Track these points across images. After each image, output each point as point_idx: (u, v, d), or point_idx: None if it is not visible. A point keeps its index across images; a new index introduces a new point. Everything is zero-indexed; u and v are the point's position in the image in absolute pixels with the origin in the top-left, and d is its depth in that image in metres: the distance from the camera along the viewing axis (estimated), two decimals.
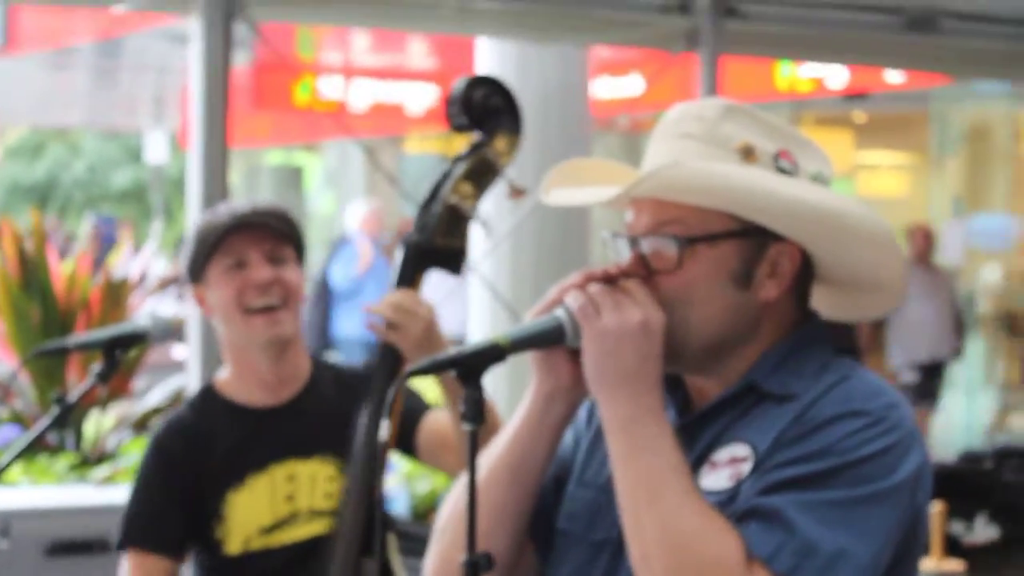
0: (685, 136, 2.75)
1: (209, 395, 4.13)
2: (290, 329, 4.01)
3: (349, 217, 17.77)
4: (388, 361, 3.59)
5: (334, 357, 15.70)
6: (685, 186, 2.67)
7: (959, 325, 15.62)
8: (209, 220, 4.07)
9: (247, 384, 4.06)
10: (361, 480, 3.61)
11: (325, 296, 16.99)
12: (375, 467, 3.59)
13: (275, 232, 3.99)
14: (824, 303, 2.85)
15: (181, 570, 4.01)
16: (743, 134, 2.74)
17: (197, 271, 4.00)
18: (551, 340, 2.67)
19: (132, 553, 3.97)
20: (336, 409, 3.96)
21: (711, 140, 2.73)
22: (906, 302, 14.27)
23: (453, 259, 3.66)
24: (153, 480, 4.04)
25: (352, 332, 16.17)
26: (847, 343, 13.86)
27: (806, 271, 2.77)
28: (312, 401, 4.04)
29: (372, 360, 3.72)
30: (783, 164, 2.73)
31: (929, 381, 14.70)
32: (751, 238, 2.70)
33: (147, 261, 10.95)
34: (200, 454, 4.00)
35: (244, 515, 3.96)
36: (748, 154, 2.71)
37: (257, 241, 3.95)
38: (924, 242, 15.15)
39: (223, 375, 4.14)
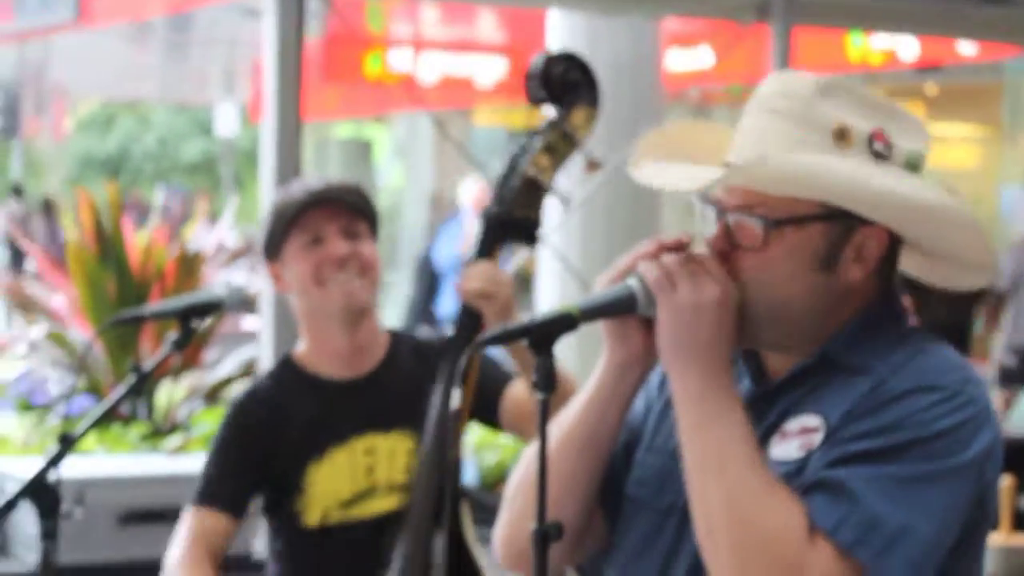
0: (778, 114, 2.73)
1: (288, 367, 4.15)
2: (365, 298, 4.02)
3: (461, 193, 17.35)
4: (467, 330, 3.60)
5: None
6: (774, 180, 2.66)
7: None
8: (284, 198, 4.09)
9: (325, 357, 4.06)
10: (434, 450, 3.62)
11: (429, 274, 16.54)
12: (447, 436, 3.60)
13: (350, 207, 4.01)
14: (914, 267, 2.85)
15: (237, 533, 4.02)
16: (838, 114, 2.71)
17: (274, 248, 4.01)
18: (623, 309, 2.67)
19: (194, 508, 3.99)
20: (415, 382, 3.96)
21: (805, 121, 2.70)
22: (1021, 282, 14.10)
23: (529, 231, 3.66)
24: (229, 445, 4.06)
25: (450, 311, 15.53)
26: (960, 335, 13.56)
27: (892, 251, 2.75)
28: (391, 374, 4.04)
29: (452, 331, 3.72)
30: (877, 147, 2.70)
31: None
32: (838, 221, 2.68)
33: (222, 233, 10.93)
34: (279, 425, 4.02)
35: (324, 488, 3.97)
36: (842, 137, 2.69)
37: (333, 217, 3.97)
38: None
39: (301, 348, 4.15)
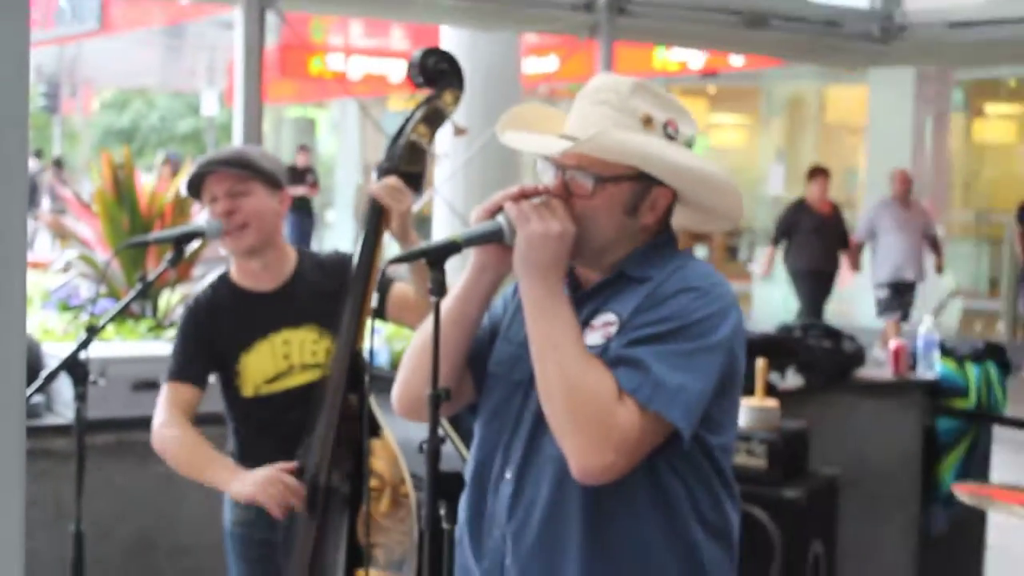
0: (603, 104, 2.74)
1: (224, 281, 4.05)
2: (247, 244, 3.92)
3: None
4: (374, 223, 3.60)
5: None
6: (605, 149, 2.68)
7: (932, 251, 14.45)
8: (194, 168, 4.08)
9: (245, 276, 4.04)
10: (348, 336, 3.62)
11: None
12: (360, 325, 3.62)
13: (232, 173, 3.92)
14: (684, 218, 2.84)
15: (201, 401, 4.00)
16: (644, 106, 2.73)
17: (197, 196, 3.99)
18: (493, 238, 2.67)
19: (169, 383, 3.92)
20: (318, 288, 3.94)
21: (622, 109, 2.71)
22: (883, 232, 13.77)
23: (414, 180, 3.68)
24: (186, 337, 4.00)
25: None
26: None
27: (672, 204, 2.76)
28: (298, 285, 3.96)
29: (362, 225, 3.70)
30: (670, 131, 2.73)
31: (897, 297, 14.01)
32: (641, 182, 2.70)
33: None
34: (217, 325, 3.95)
35: (253, 370, 3.92)
36: (647, 123, 2.71)
37: (219, 181, 3.89)
38: (903, 184, 14.16)
39: (231, 267, 4.13)
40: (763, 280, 14.47)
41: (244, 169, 4.03)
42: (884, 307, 14.01)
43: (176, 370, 4.01)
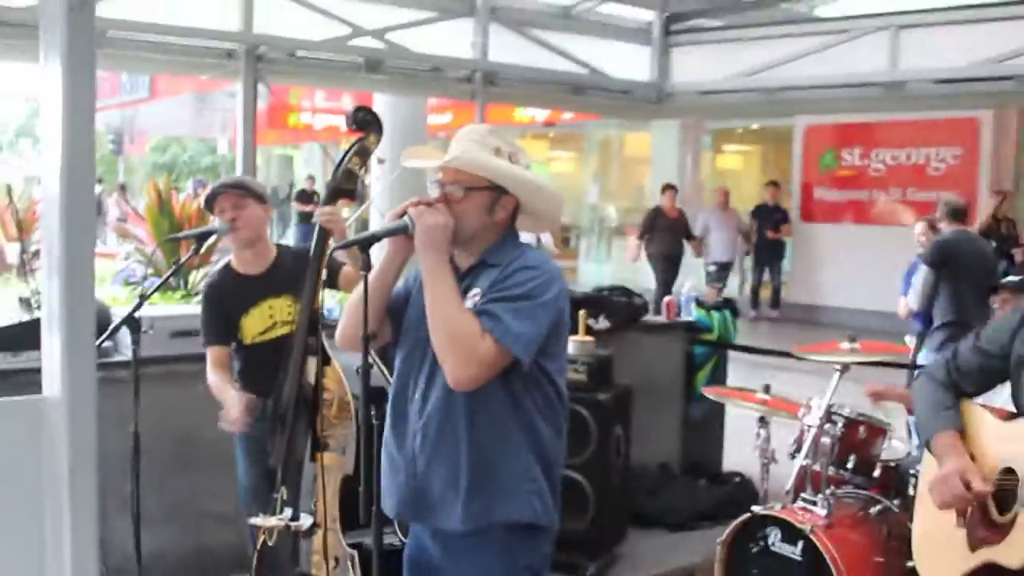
0: (469, 140, 2.74)
1: (227, 268, 4.04)
2: (247, 235, 3.95)
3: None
4: (321, 240, 3.57)
5: None
6: (469, 165, 2.68)
7: (743, 241, 14.86)
8: (209, 190, 4.08)
9: (242, 264, 4.03)
10: (310, 301, 3.60)
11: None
12: (315, 296, 3.60)
13: (236, 191, 3.93)
14: (525, 224, 2.83)
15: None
16: (496, 142, 2.74)
17: (209, 212, 3.98)
18: (401, 231, 2.66)
19: (208, 348, 3.97)
20: (291, 270, 3.91)
21: (481, 143, 2.72)
22: (710, 229, 14.09)
23: (351, 194, 3.65)
24: (208, 310, 4.01)
25: None
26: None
27: (517, 208, 2.75)
28: (278, 268, 3.96)
29: (316, 239, 3.68)
30: (513, 159, 2.74)
31: (720, 272, 14.12)
32: (495, 191, 2.70)
33: None
34: (225, 298, 3.95)
35: (250, 326, 3.92)
36: (498, 152, 2.72)
37: (226, 198, 3.89)
38: (724, 196, 14.68)
39: (232, 257, 4.12)
40: (633, 263, 14.35)
41: (242, 189, 4.03)
42: (712, 279, 13.96)
43: (207, 335, 4.03)
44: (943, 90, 6.49)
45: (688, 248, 13.91)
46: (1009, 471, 2.43)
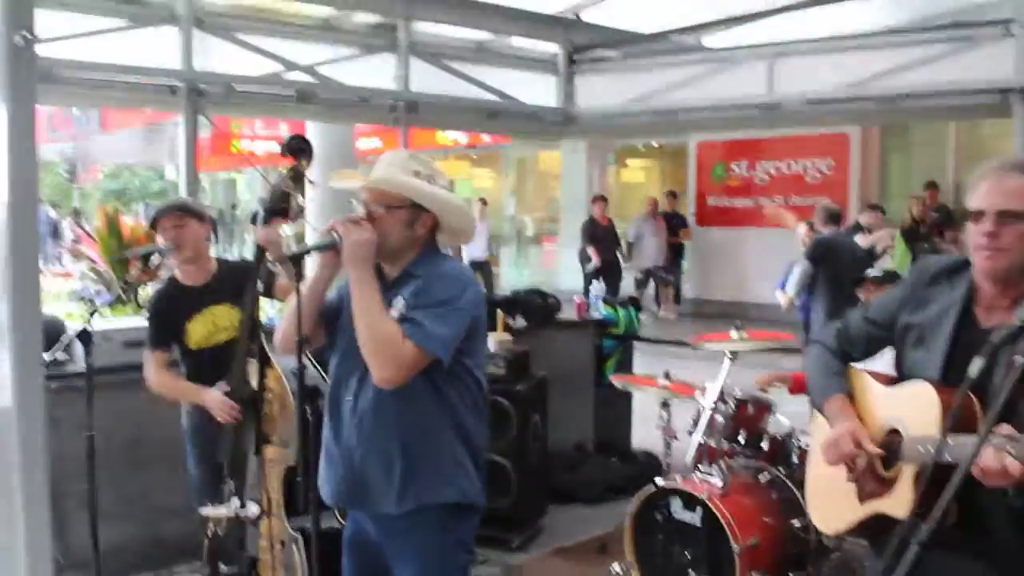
0: (390, 164, 2.73)
1: (172, 281, 4.00)
2: (188, 253, 3.91)
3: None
4: (259, 257, 3.53)
5: None
6: (390, 185, 2.68)
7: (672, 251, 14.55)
8: (153, 212, 4.04)
9: (186, 276, 3.98)
10: (250, 310, 3.56)
11: None
12: (255, 304, 3.56)
13: (176, 212, 3.90)
14: (442, 237, 2.80)
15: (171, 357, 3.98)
16: (415, 166, 2.72)
17: (153, 232, 3.93)
18: (331, 246, 2.64)
19: (151, 351, 3.93)
20: (231, 281, 3.89)
21: (401, 166, 2.71)
22: (643, 236, 13.87)
23: (286, 213, 3.61)
24: (154, 318, 3.96)
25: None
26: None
27: (436, 225, 2.74)
28: (219, 279, 3.93)
29: (253, 257, 3.63)
30: (430, 180, 2.73)
31: (648, 277, 14.21)
32: (414, 209, 2.69)
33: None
34: (171, 307, 3.90)
35: (194, 331, 3.89)
36: (417, 174, 2.71)
37: (168, 219, 3.86)
38: (654, 206, 14.53)
39: (177, 271, 4.07)
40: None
41: (181, 210, 3.99)
42: (639, 284, 14.06)
43: (153, 342, 3.97)
44: (813, 110, 6.63)
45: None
46: (894, 431, 2.45)
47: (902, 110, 6.31)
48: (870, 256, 7.62)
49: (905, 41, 6.18)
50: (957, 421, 2.16)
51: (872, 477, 2.48)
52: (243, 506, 3.33)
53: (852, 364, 2.71)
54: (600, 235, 13.53)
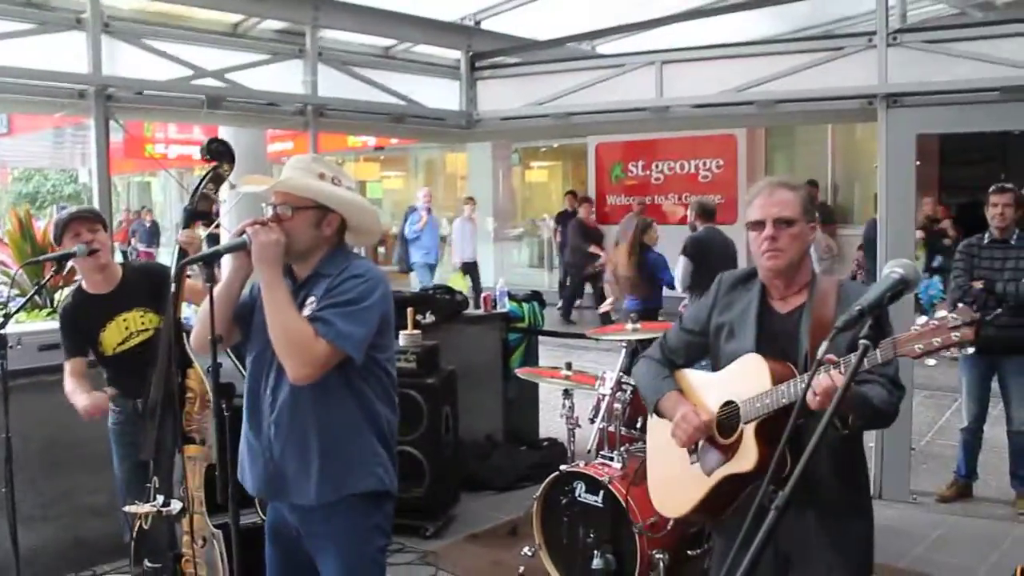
0: (296, 167, 2.75)
1: (80, 291, 3.93)
2: (104, 258, 3.84)
3: (416, 196, 14.26)
4: (181, 257, 3.48)
5: (413, 275, 13.57)
6: (295, 188, 2.69)
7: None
8: (61, 216, 3.93)
9: (92, 286, 3.90)
10: (171, 312, 3.52)
11: (404, 240, 13.59)
12: (175, 306, 3.52)
13: (88, 218, 3.82)
14: (350, 237, 2.84)
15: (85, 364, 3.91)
16: (320, 168, 2.74)
17: (60, 238, 3.82)
18: (241, 248, 2.65)
19: (67, 361, 3.87)
20: (138, 284, 3.86)
21: (306, 169, 2.73)
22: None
23: (206, 215, 3.59)
24: (66, 329, 3.89)
25: (417, 260, 13.34)
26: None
27: (343, 225, 2.76)
28: (125, 285, 3.86)
29: (176, 259, 3.58)
30: (335, 181, 2.75)
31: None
32: (321, 209, 2.71)
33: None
34: (81, 317, 3.85)
35: (108, 339, 3.82)
36: (322, 176, 2.73)
37: (82, 223, 3.77)
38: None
39: (83, 281, 4.00)
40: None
41: (94, 216, 3.92)
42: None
43: (67, 352, 3.91)
44: (699, 113, 6.79)
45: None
46: (728, 403, 2.67)
47: (780, 114, 6.50)
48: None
49: (782, 50, 6.37)
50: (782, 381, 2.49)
51: (715, 449, 2.69)
52: (167, 503, 3.31)
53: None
54: (595, 237, 13.62)
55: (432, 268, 13.50)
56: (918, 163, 5.83)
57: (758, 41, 6.95)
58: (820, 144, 13.99)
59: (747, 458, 2.58)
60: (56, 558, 4.65)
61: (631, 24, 7.51)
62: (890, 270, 2.08)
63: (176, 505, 3.29)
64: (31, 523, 4.03)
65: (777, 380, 2.51)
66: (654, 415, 2.94)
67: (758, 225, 2.67)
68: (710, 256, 6.88)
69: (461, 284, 13.02)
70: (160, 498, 3.37)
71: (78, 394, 3.75)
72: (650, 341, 5.53)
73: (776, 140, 14.57)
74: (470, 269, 14.10)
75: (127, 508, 3.47)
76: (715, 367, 2.82)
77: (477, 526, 5.45)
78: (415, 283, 13.10)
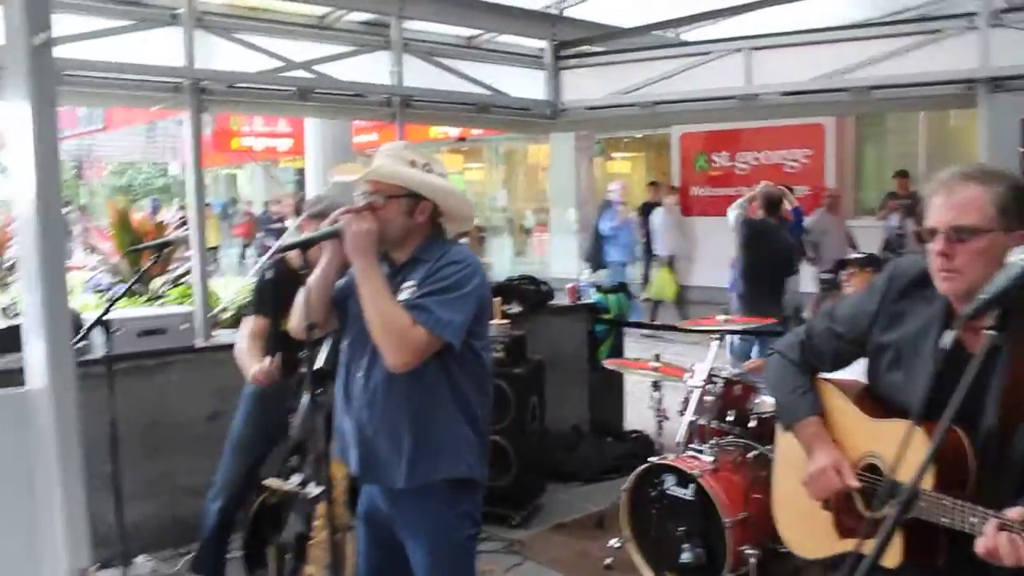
0: (388, 155, 2.74)
1: (284, 262, 3.78)
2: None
3: (610, 190, 12.88)
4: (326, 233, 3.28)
5: (604, 275, 11.84)
6: (386, 176, 2.69)
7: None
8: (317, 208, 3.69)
9: (294, 260, 3.77)
10: (271, 304, 3.45)
11: (597, 236, 12.49)
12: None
13: (316, 218, 3.57)
14: (447, 225, 2.81)
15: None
16: (412, 156, 2.74)
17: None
18: (333, 236, 2.66)
19: (253, 316, 3.83)
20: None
21: (397, 157, 2.72)
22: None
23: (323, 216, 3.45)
24: (266, 289, 3.77)
25: (615, 258, 12.29)
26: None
27: (436, 211, 2.75)
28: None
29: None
30: (427, 168, 2.73)
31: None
32: (413, 197, 2.70)
33: (170, 215, 10.43)
34: (284, 287, 3.50)
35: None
36: (412, 164, 2.72)
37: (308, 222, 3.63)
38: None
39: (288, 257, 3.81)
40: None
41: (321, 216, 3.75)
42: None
43: (256, 308, 3.88)
44: (790, 101, 6.64)
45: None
46: (874, 469, 2.21)
47: (873, 101, 6.31)
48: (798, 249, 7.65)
49: (876, 34, 6.19)
50: (946, 472, 1.93)
51: (851, 512, 2.25)
52: (304, 485, 3.19)
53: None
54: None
55: (625, 267, 12.52)
56: (1021, 149, 5.60)
57: (850, 25, 6.75)
58: (911, 133, 13.58)
59: (888, 552, 2.05)
60: (156, 534, 4.78)
61: (717, 10, 7.37)
62: (1017, 258, 1.76)
63: (316, 489, 3.20)
64: (133, 500, 4.13)
65: (938, 472, 1.95)
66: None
67: (931, 234, 2.04)
68: (758, 249, 6.80)
69: (668, 281, 12.44)
70: (298, 477, 3.28)
71: (250, 357, 3.71)
72: (740, 332, 5.46)
73: (866, 129, 14.19)
74: (673, 264, 13.30)
75: (267, 481, 3.41)
76: (871, 383, 2.29)
77: (563, 516, 5.42)
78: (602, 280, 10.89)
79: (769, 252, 6.87)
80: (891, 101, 6.42)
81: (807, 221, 10.46)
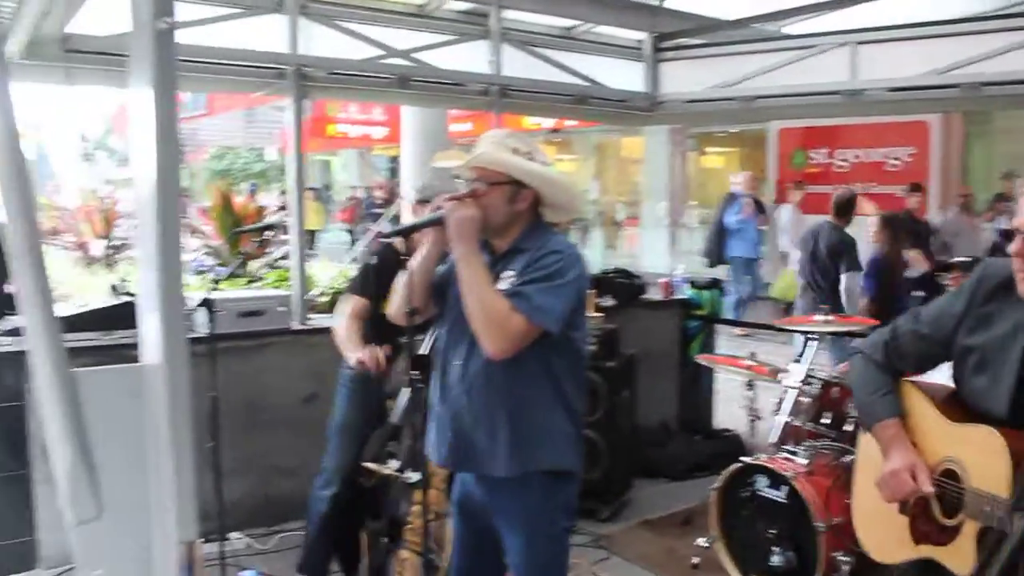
0: (491, 142, 2.74)
1: (389, 247, 3.58)
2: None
3: (734, 181, 12.39)
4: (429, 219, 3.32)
5: (726, 270, 11.42)
6: (489, 163, 2.69)
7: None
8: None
9: (401, 246, 3.77)
10: (372, 289, 3.45)
11: (721, 229, 11.79)
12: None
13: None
14: (547, 213, 2.80)
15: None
16: (514, 143, 2.73)
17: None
18: (436, 222, 2.68)
19: (355, 296, 3.84)
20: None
21: (500, 144, 2.72)
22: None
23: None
24: (371, 272, 3.81)
25: (739, 253, 11.62)
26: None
27: (537, 200, 2.74)
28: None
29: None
30: (529, 156, 2.73)
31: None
32: (515, 184, 2.69)
33: (270, 200, 10.65)
34: (386, 268, 3.34)
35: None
36: (516, 151, 2.71)
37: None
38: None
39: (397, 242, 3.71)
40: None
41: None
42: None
43: (359, 289, 3.90)
44: (896, 97, 6.44)
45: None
46: (952, 474, 2.18)
47: (985, 97, 6.08)
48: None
49: (988, 28, 5.97)
50: None
51: (927, 517, 2.22)
52: (402, 470, 3.18)
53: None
54: (922, 233, 10.65)
55: (753, 263, 11.88)
56: None
57: (961, 19, 6.51)
58: (1021, 132, 13.06)
59: (962, 559, 2.11)
60: (249, 512, 4.89)
61: (822, 3, 7.19)
62: None
63: (414, 475, 3.21)
64: (229, 477, 4.23)
65: (1017, 476, 1.96)
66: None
67: (1014, 234, 2.04)
68: (810, 251, 6.70)
69: (793, 282, 12.06)
70: (396, 462, 3.26)
71: (351, 343, 3.71)
72: (839, 333, 5.30)
73: (973, 127, 13.69)
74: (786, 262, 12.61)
75: (366, 464, 3.39)
76: (957, 385, 2.27)
77: (651, 513, 5.38)
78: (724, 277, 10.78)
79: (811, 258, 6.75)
80: (1003, 98, 6.18)
81: (937, 221, 10.05)
